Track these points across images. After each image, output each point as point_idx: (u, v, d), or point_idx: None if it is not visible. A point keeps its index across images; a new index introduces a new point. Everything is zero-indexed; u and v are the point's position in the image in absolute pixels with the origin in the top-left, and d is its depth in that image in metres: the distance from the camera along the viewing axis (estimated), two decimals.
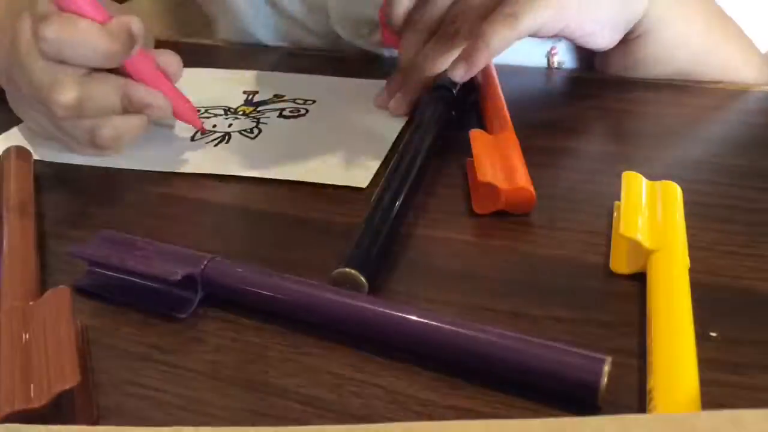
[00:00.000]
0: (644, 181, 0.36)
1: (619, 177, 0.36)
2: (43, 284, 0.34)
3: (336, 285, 0.31)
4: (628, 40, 0.50)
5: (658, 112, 0.48)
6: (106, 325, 0.32)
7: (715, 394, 0.26)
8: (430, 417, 0.27)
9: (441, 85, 0.46)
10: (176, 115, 0.44)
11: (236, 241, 0.37)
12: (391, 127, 0.47)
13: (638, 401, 0.27)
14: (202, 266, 0.32)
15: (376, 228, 0.34)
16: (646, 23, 0.49)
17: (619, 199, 0.35)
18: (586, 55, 0.56)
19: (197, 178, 0.43)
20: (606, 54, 0.52)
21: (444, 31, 0.47)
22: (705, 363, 0.27)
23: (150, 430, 0.24)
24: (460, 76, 0.44)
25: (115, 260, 0.33)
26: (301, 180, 0.41)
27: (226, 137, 0.46)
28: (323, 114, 0.49)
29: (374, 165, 0.42)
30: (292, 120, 0.48)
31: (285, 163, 0.43)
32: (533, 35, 0.45)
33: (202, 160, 0.44)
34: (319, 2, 0.59)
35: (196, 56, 0.59)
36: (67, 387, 0.26)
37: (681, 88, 0.51)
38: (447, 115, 0.45)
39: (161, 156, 0.45)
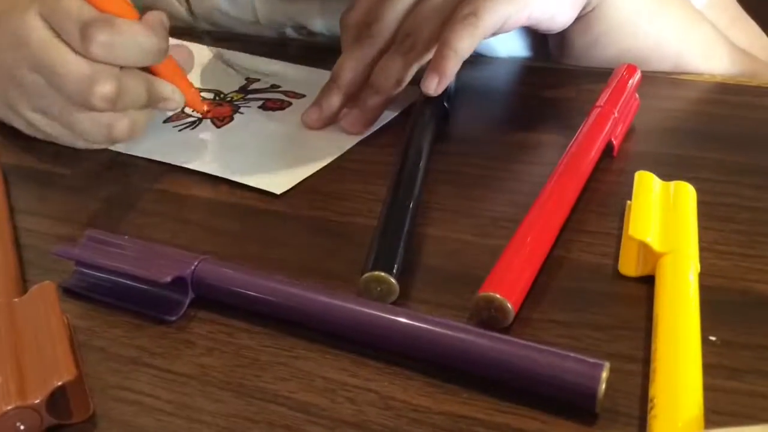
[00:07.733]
0: (657, 181, 0.35)
1: (623, 175, 0.35)
2: (27, 285, 0.33)
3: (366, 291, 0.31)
4: (582, 16, 0.48)
5: (654, 107, 0.47)
6: (94, 327, 0.31)
7: (715, 400, 0.26)
8: (425, 423, 0.26)
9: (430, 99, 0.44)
10: (188, 104, 0.45)
11: (227, 241, 0.37)
12: (348, 138, 0.45)
13: (639, 409, 0.26)
14: (193, 267, 0.31)
15: (395, 229, 0.34)
16: None
17: (630, 198, 0.34)
18: (536, 45, 0.55)
19: (185, 172, 0.42)
20: (565, 35, 0.50)
21: (400, 46, 0.44)
22: (704, 368, 0.27)
23: None
24: (433, 88, 0.42)
25: (103, 261, 0.32)
26: (222, 176, 0.41)
27: (197, 123, 0.47)
28: (301, 110, 0.47)
29: (302, 174, 0.41)
30: (269, 112, 0.48)
31: (221, 157, 0.43)
32: (499, 32, 0.43)
33: (152, 145, 0.44)
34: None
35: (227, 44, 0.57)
36: (64, 381, 0.26)
37: (678, 83, 0.51)
38: (442, 112, 0.44)
39: None
